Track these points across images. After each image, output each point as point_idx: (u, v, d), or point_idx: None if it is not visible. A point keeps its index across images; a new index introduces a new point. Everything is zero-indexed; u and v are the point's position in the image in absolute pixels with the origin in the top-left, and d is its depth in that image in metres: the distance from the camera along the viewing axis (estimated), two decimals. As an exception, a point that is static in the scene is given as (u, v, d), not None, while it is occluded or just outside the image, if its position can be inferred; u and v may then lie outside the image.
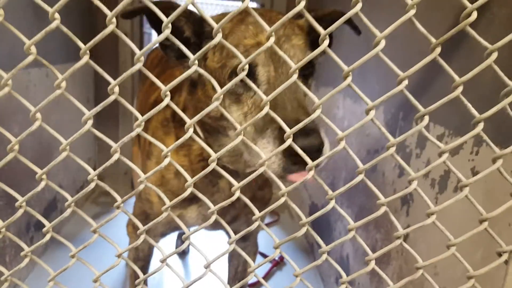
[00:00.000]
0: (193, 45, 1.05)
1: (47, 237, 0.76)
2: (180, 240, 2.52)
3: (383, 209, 0.68)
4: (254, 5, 3.60)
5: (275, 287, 2.29)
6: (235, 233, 0.76)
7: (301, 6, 0.58)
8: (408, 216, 1.36)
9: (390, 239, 1.48)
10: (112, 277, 2.24)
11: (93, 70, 3.40)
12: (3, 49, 1.76)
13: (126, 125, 3.33)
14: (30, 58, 0.66)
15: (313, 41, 1.06)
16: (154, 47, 1.21)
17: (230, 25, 1.01)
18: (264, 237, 2.51)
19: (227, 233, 0.78)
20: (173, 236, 2.52)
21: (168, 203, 0.72)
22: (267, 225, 2.95)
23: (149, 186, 0.72)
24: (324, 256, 0.70)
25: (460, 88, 0.62)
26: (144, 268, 1.54)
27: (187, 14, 1.01)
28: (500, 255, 0.68)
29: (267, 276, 2.37)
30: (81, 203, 3.08)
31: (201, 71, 0.66)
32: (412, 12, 0.59)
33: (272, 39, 0.62)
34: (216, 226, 1.49)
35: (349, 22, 1.05)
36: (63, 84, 0.67)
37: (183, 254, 2.52)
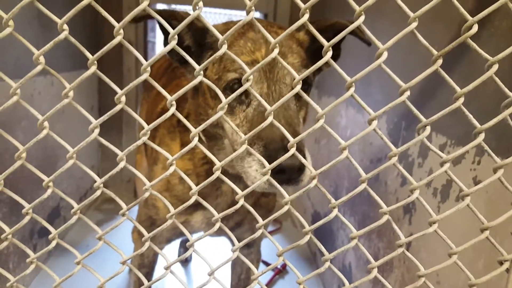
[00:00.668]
0: (194, 54, 1.07)
1: (53, 243, 0.77)
2: (183, 247, 2.52)
3: (385, 217, 0.68)
4: (257, 15, 3.63)
5: (277, 295, 2.29)
6: (239, 239, 0.77)
7: (304, 19, 0.59)
8: (411, 225, 1.36)
9: (392, 248, 1.48)
10: (114, 283, 2.24)
11: (97, 78, 3.43)
12: (10, 59, 1.79)
13: (129, 133, 3.35)
14: (39, 68, 0.67)
15: (315, 52, 1.08)
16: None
17: (230, 38, 1.03)
18: (267, 246, 2.51)
19: (230, 239, 0.79)
20: (176, 243, 2.52)
21: (173, 210, 0.73)
22: (270, 233, 2.94)
23: (154, 194, 0.73)
24: (327, 264, 0.71)
25: (462, 99, 0.63)
26: (149, 275, 1.54)
27: (189, 24, 1.03)
28: (501, 263, 0.69)
29: (269, 284, 2.37)
30: (84, 210, 3.09)
31: (206, 81, 0.68)
32: (414, 24, 0.60)
33: (277, 51, 0.63)
34: (219, 232, 1.49)
35: (356, 33, 1.05)
36: (71, 93, 0.68)
37: (185, 262, 2.52)
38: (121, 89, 0.69)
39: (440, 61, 0.62)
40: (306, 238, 0.70)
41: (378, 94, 1.67)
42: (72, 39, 0.67)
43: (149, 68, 0.66)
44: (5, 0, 1.25)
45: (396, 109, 1.49)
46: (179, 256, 2.52)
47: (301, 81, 0.64)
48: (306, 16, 0.60)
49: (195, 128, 0.69)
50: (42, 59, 0.67)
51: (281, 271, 2.46)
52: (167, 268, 0.72)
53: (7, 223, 0.81)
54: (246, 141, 0.68)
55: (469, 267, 0.72)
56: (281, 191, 0.71)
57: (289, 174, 0.83)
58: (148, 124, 0.68)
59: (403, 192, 1.44)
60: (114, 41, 0.65)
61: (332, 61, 0.62)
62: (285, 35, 0.61)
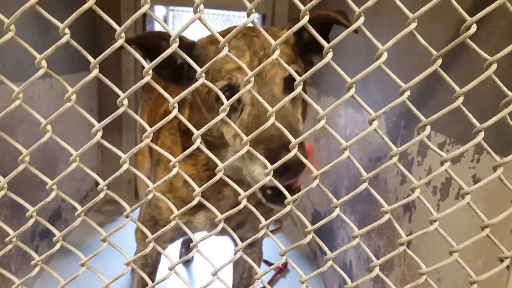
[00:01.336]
0: (186, 70, 1.10)
1: (57, 246, 0.78)
2: (185, 247, 2.52)
3: (386, 216, 0.69)
4: (256, 16, 3.63)
5: (279, 294, 2.30)
6: (241, 239, 0.78)
7: (304, 21, 0.60)
8: (411, 223, 1.37)
9: (393, 246, 1.49)
10: (117, 284, 2.24)
11: (96, 80, 3.40)
12: (10, 62, 1.79)
13: (129, 134, 3.35)
14: (40, 72, 0.68)
15: (305, 44, 1.09)
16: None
17: (214, 48, 1.05)
18: (268, 245, 2.52)
19: (233, 239, 0.80)
20: (177, 244, 2.53)
21: (176, 211, 0.73)
22: (271, 232, 2.95)
23: (157, 196, 0.74)
24: (329, 263, 0.71)
25: (461, 99, 0.63)
26: (152, 275, 1.55)
27: (179, 42, 1.04)
28: (502, 260, 0.69)
29: (271, 283, 2.38)
30: (86, 212, 3.09)
31: (208, 83, 0.68)
32: (413, 25, 0.61)
33: (277, 52, 0.64)
34: (222, 232, 1.50)
35: (339, 23, 1.05)
36: (73, 97, 0.69)
37: (187, 262, 2.53)
38: (121, 90, 0.69)
39: (439, 61, 0.62)
40: (309, 237, 0.70)
41: (377, 94, 1.68)
42: (74, 43, 0.67)
43: (151, 71, 0.67)
44: (3, 3, 1.26)
45: (395, 108, 1.49)
46: (180, 255, 2.52)
47: (288, 86, 0.65)
48: (307, 18, 0.61)
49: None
50: (44, 63, 0.68)
51: (282, 270, 2.47)
52: (171, 268, 0.73)
53: (9, 226, 0.81)
54: (248, 142, 0.69)
55: (470, 265, 0.73)
56: (283, 192, 0.71)
57: (293, 172, 0.83)
58: (150, 127, 0.69)
59: (403, 191, 1.45)
60: (116, 45, 0.66)
61: (333, 63, 0.63)
62: (289, 33, 0.62)
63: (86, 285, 1.40)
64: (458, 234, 1.04)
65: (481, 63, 0.66)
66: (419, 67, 0.63)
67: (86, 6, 0.64)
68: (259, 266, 1.72)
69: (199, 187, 0.74)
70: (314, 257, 2.64)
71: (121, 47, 0.66)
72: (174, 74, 1.10)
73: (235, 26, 1.18)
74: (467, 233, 1.04)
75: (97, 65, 0.67)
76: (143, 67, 0.68)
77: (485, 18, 0.84)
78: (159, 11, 3.85)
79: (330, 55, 0.62)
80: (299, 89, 0.64)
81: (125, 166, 0.69)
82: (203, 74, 0.67)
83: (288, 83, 1.01)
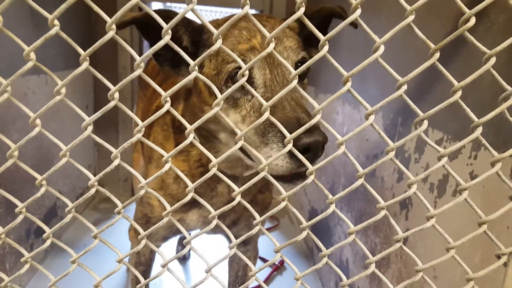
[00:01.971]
0: (190, 54, 1.06)
1: (47, 242, 0.76)
2: (181, 245, 2.51)
3: (382, 212, 0.68)
4: (253, 11, 3.62)
5: (275, 292, 2.29)
6: (236, 237, 0.76)
7: (300, 12, 0.58)
8: (407, 220, 1.36)
9: (389, 243, 1.48)
10: (113, 282, 2.23)
11: (92, 76, 3.38)
12: (3, 57, 1.77)
13: (125, 131, 3.33)
14: (29, 65, 0.66)
15: (305, 38, 1.08)
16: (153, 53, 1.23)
17: (224, 32, 1.03)
18: (264, 242, 2.50)
19: (227, 237, 0.78)
20: (174, 240, 2.52)
21: (168, 207, 0.72)
22: (267, 230, 2.94)
23: (150, 192, 0.73)
24: (325, 259, 0.70)
25: (459, 93, 0.62)
26: (146, 273, 1.54)
27: (186, 23, 1.02)
28: (499, 257, 0.68)
29: (267, 281, 2.37)
30: (81, 209, 3.07)
31: (201, 77, 0.67)
32: (411, 18, 0.60)
33: (272, 45, 0.62)
34: (216, 230, 1.48)
35: (342, 17, 1.06)
36: (63, 90, 0.67)
37: (183, 259, 2.51)
38: (117, 58, 0.68)
39: (437, 55, 0.61)
40: (304, 234, 0.69)
41: (374, 90, 1.67)
42: (64, 35, 0.66)
43: (142, 64, 0.66)
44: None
45: (392, 104, 1.48)
46: (177, 252, 2.51)
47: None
48: (302, 9, 0.59)
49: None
50: (32, 55, 0.66)
51: (279, 268, 2.46)
52: (164, 266, 0.72)
53: (3, 223, 0.80)
54: (268, 108, 0.66)
55: (466, 261, 0.72)
56: (308, 165, 0.68)
57: (314, 152, 0.81)
58: (143, 120, 0.67)
59: (400, 188, 1.44)
60: (106, 37, 0.64)
61: (329, 56, 0.62)
62: (284, 26, 0.60)
63: (82, 283, 1.39)
64: (455, 230, 1.03)
65: (479, 58, 0.64)
66: (416, 61, 0.62)
67: (76, -3, 0.62)
68: (254, 264, 1.70)
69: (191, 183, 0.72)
70: (311, 255, 2.64)
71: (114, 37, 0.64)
72: (174, 57, 1.07)
73: (220, 19, 1.17)
74: (463, 230, 1.03)
75: (87, 58, 0.66)
76: (142, 86, 0.67)
77: (484, 12, 0.83)
78: (157, 7, 3.81)
79: (326, 48, 0.61)
80: (294, 83, 0.63)
81: (116, 162, 0.67)
82: (196, 68, 0.65)
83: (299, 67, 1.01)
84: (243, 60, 0.96)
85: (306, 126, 0.66)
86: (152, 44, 0.97)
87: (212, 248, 2.41)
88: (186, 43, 1.05)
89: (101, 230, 0.73)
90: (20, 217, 0.74)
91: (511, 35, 0.65)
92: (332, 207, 0.68)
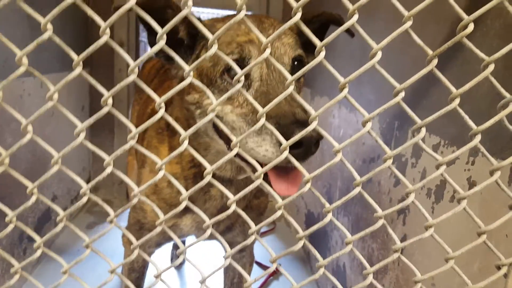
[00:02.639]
0: (186, 47, 1.06)
1: (38, 253, 0.74)
2: (176, 249, 2.49)
3: (380, 222, 0.67)
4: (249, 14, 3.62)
5: (271, 297, 2.27)
6: (230, 243, 0.75)
7: (297, 18, 0.57)
8: (405, 226, 1.35)
9: (387, 249, 1.47)
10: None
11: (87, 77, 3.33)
12: (-3, 59, 1.75)
13: (121, 135, 3.31)
14: (21, 70, 0.65)
15: (303, 43, 1.07)
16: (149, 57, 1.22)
17: (222, 24, 1.03)
18: (260, 246, 2.49)
19: (217, 238, 0.77)
20: (169, 246, 2.50)
21: (162, 217, 0.71)
22: (264, 233, 2.92)
23: (143, 200, 0.71)
24: (322, 270, 0.69)
25: (457, 100, 0.61)
26: (139, 280, 1.52)
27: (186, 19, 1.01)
28: (499, 268, 0.67)
29: (263, 286, 2.35)
30: (76, 213, 3.05)
31: (197, 82, 0.66)
32: (409, 23, 0.59)
33: (268, 51, 0.61)
34: (210, 236, 1.47)
35: (340, 24, 1.07)
36: (55, 96, 0.66)
37: (178, 265, 2.49)
38: (113, 61, 0.67)
39: (435, 61, 0.60)
40: (300, 244, 0.68)
41: (370, 94, 1.66)
42: (57, 39, 0.64)
43: (136, 69, 0.64)
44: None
45: (388, 109, 1.47)
46: (172, 258, 2.49)
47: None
48: (299, 14, 0.58)
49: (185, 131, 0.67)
50: (25, 59, 0.65)
51: (275, 273, 2.44)
52: (157, 276, 0.70)
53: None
54: (264, 114, 0.65)
55: (464, 270, 0.71)
56: (299, 168, 0.67)
57: (306, 147, 0.79)
58: (137, 127, 0.66)
59: (397, 193, 1.43)
60: (100, 41, 0.63)
61: (325, 62, 0.61)
62: (281, 31, 0.59)
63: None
64: (453, 239, 1.02)
65: (476, 64, 0.64)
66: (412, 68, 0.61)
67: (69, 1, 0.61)
68: (250, 271, 1.69)
69: (184, 186, 0.71)
70: (308, 259, 2.62)
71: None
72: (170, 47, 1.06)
73: (230, 15, 1.16)
74: (462, 238, 1.02)
75: (81, 63, 0.64)
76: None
77: (480, 18, 0.83)
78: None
79: (322, 53, 0.60)
80: (290, 89, 0.62)
81: (108, 169, 0.66)
82: (191, 73, 0.64)
83: (294, 70, 1.00)
84: (241, 51, 0.96)
85: (298, 137, 0.64)
86: (148, 29, 0.96)
87: (208, 254, 2.39)
88: (182, 34, 1.03)
89: (93, 240, 0.72)
90: (11, 226, 0.72)
91: (508, 41, 0.64)
92: (329, 216, 0.67)
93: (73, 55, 0.65)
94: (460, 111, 0.63)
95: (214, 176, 1.16)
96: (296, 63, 1.02)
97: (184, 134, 0.67)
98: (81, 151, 3.12)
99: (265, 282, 2.37)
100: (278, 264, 0.71)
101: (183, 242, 2.48)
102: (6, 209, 0.73)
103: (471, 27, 0.58)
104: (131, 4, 0.61)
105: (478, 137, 0.64)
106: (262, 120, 0.64)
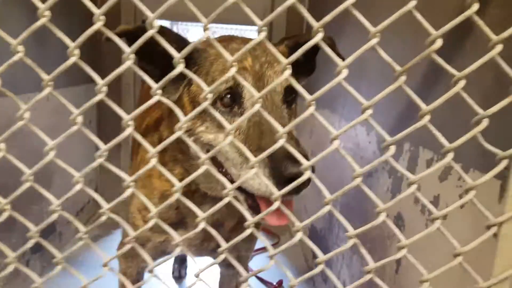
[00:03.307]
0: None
1: (58, 268, 0.78)
2: (177, 263, 2.48)
3: (352, 241, 0.65)
4: (253, 28, 3.64)
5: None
6: (224, 260, 0.79)
7: (319, 37, 0.58)
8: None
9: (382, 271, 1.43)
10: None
11: (94, 91, 3.38)
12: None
13: (127, 146, 3.34)
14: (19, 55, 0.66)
15: (293, 64, 1.07)
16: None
17: (215, 51, 1.02)
18: (262, 260, 2.46)
19: (215, 258, 0.77)
20: (171, 260, 2.49)
21: (153, 209, 0.75)
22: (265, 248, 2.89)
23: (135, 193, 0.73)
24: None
25: (427, 117, 0.60)
26: None
27: (177, 38, 1.00)
28: (488, 228, 0.63)
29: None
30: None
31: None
32: (375, 40, 0.58)
33: (258, 105, 0.65)
34: (202, 252, 1.45)
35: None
36: (26, 115, 0.67)
37: (179, 278, 2.47)
38: (119, 104, 0.68)
39: (403, 78, 0.59)
40: (320, 268, 0.74)
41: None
42: (28, 61, 0.66)
43: (131, 122, 0.65)
44: None
45: (383, 121, 1.46)
46: (173, 271, 2.47)
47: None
48: (320, 35, 0.58)
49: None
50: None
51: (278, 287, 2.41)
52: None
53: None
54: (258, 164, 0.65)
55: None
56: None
57: (296, 188, 0.78)
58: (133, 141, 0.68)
59: (393, 207, 1.40)
60: (68, 62, 0.64)
61: (345, 83, 0.61)
62: (272, 87, 0.61)
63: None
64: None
65: (449, 78, 0.62)
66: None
67: (39, 23, 0.62)
68: (245, 288, 1.66)
69: (175, 203, 0.73)
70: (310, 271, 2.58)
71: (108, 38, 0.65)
72: (162, 74, 1.06)
73: (231, 36, 1.16)
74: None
75: (50, 83, 0.66)
76: (143, 81, 0.67)
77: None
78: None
79: (345, 72, 0.60)
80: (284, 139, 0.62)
81: (128, 191, 0.68)
82: (192, 117, 0.68)
83: (287, 96, 1.00)
84: (233, 80, 0.95)
85: (293, 185, 0.68)
86: (140, 57, 0.96)
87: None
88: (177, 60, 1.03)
89: (111, 259, 0.77)
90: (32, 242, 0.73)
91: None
92: (328, 207, 0.66)
93: (42, 75, 0.66)
94: (432, 128, 0.61)
95: (205, 195, 1.16)
96: (287, 90, 1.01)
97: (152, 151, 0.67)
98: (88, 163, 3.15)
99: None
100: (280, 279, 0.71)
101: (185, 259, 2.47)
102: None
103: (439, 42, 0.57)
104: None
105: (451, 155, 0.62)
106: (254, 170, 0.67)
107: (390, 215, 1.40)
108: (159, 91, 0.64)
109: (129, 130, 0.65)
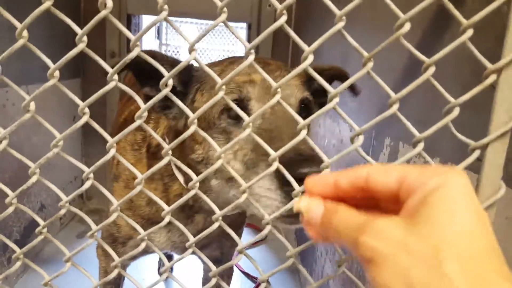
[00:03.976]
0: (178, 93, 1.00)
1: (17, 265, 0.76)
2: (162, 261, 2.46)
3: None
4: (243, 25, 3.61)
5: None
6: (208, 257, 0.78)
7: (307, 63, 0.57)
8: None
9: None
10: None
11: (80, 87, 3.34)
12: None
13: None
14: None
15: (310, 86, 1.04)
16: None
17: (220, 67, 1.00)
18: (254, 255, 2.44)
19: (200, 257, 0.77)
20: (156, 256, 2.47)
21: (142, 232, 0.72)
22: (254, 244, 2.88)
23: (121, 216, 0.72)
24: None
25: (396, 106, 0.59)
26: None
27: (173, 64, 0.96)
28: (486, 77, 0.57)
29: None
30: (67, 221, 3.04)
31: (203, 133, 0.65)
32: (370, 65, 0.57)
33: (278, 96, 0.61)
34: (185, 251, 1.44)
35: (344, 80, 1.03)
36: (32, 107, 0.65)
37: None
38: (106, 99, 0.66)
39: (370, 64, 0.58)
40: (290, 262, 0.72)
41: (351, 102, 1.64)
42: (32, 46, 0.64)
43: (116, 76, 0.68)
44: None
45: (367, 118, 1.45)
46: (159, 267, 2.45)
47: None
48: (311, 57, 0.58)
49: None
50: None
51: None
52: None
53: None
54: (277, 158, 0.65)
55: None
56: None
57: None
58: (111, 136, 0.67)
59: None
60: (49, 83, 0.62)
61: (339, 109, 0.61)
62: (293, 75, 0.60)
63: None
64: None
65: (420, 65, 0.60)
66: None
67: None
68: (229, 283, 1.66)
69: (169, 222, 0.72)
70: (297, 270, 2.58)
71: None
72: (165, 100, 0.99)
73: (232, 57, 1.13)
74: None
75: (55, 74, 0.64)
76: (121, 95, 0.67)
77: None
78: (147, 20, 3.76)
79: (336, 99, 0.60)
80: (303, 133, 0.63)
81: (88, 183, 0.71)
82: (196, 121, 0.64)
83: (299, 114, 0.95)
84: (240, 91, 0.92)
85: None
86: (139, 80, 0.95)
87: (193, 266, 2.36)
88: (175, 83, 0.97)
89: (74, 253, 0.73)
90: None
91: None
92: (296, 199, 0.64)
93: (48, 62, 0.65)
94: (402, 117, 0.60)
95: (200, 208, 1.13)
96: (303, 105, 0.98)
97: (140, 177, 0.67)
98: (73, 141, 3.10)
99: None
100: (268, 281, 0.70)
101: (171, 256, 2.44)
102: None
103: (407, 26, 0.55)
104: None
105: (421, 145, 0.61)
106: (275, 165, 0.65)
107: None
108: (195, 121, 0.64)
109: (112, 152, 0.65)
